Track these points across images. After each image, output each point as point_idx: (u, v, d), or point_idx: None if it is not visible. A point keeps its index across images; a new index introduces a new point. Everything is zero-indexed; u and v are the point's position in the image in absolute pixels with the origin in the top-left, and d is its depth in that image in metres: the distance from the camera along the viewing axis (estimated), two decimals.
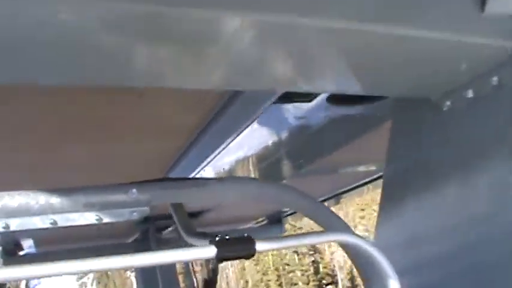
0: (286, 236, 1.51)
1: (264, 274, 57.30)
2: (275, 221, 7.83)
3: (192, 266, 7.86)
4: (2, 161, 3.10)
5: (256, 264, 58.71)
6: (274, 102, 2.40)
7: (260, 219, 8.05)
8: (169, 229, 7.63)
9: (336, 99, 2.57)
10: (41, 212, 1.34)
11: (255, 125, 2.77)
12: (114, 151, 3.25)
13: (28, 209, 1.33)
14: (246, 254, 1.33)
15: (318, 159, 3.60)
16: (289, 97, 2.46)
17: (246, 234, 1.39)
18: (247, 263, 61.55)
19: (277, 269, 56.75)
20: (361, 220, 49.05)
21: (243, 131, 2.83)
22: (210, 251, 1.29)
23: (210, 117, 2.66)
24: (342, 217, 2.11)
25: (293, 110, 2.71)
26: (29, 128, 2.58)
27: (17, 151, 2.97)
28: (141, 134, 2.84)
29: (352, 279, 55.49)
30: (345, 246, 1.76)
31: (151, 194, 1.50)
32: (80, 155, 3.17)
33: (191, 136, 3.00)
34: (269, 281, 56.52)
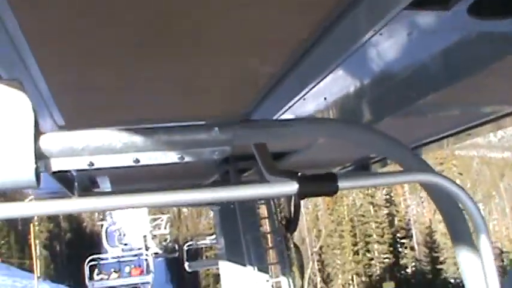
0: (369, 174, 1.26)
1: (338, 224, 57.29)
2: (362, 167, 7.43)
3: (275, 208, 7.57)
4: (78, 87, 2.77)
5: (330, 214, 58.79)
6: (404, 9, 1.92)
7: (346, 165, 7.65)
8: (250, 171, 7.37)
9: (480, 9, 2.05)
10: (124, 150, 1.35)
11: (370, 41, 2.27)
12: (198, 75, 2.82)
13: (111, 147, 1.34)
14: (328, 190, 1.33)
15: (433, 92, 3.04)
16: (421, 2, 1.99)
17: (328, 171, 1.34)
18: (321, 212, 61.79)
19: (351, 220, 56.56)
20: None
21: (354, 51, 2.35)
22: (292, 187, 1.29)
23: (319, 31, 2.19)
24: None
25: (421, 20, 2.21)
26: (108, 42, 2.19)
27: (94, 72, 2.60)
28: (232, 49, 2.39)
29: (429, 234, 54.72)
30: (429, 189, 1.72)
31: (234, 133, 1.47)
32: (159, 80, 2.78)
33: (288, 60, 2.54)
34: (343, 231, 56.49)
